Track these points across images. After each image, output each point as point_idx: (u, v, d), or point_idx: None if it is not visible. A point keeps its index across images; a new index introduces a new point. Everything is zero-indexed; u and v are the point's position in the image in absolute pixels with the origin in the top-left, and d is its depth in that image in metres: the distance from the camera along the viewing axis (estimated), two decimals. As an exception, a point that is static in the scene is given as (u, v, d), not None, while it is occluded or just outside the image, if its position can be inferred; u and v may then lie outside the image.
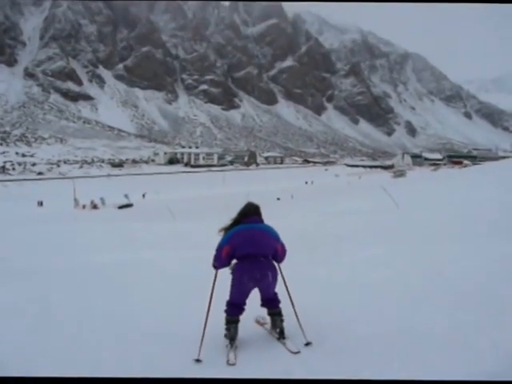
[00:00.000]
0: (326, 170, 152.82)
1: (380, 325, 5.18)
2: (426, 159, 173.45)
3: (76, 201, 48.19)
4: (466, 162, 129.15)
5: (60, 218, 34.60)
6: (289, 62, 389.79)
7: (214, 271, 4.85)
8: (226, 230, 4.75)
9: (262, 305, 4.86)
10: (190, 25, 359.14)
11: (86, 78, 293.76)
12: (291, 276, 5.76)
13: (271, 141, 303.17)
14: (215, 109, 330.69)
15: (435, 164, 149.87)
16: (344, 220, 19.44)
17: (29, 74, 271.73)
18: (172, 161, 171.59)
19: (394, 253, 9.97)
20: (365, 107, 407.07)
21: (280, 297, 4.91)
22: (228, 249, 4.56)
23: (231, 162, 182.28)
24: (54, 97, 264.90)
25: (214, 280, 4.84)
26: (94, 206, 45.41)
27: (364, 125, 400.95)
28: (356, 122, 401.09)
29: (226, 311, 4.69)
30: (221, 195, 51.57)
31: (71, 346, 4.90)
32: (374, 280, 7.40)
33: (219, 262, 4.68)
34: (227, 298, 4.73)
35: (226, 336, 4.64)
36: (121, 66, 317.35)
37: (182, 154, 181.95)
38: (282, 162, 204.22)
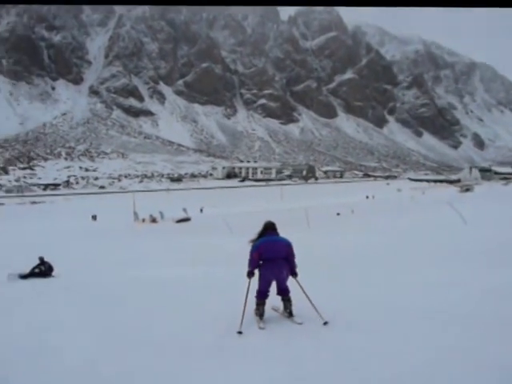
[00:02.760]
0: (388, 184, 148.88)
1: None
2: (496, 173, 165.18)
3: (136, 214, 49.14)
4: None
5: (118, 231, 34.80)
6: (349, 75, 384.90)
7: (247, 280, 6.79)
8: (254, 241, 6.95)
9: (278, 293, 6.96)
10: (249, 40, 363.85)
11: (148, 95, 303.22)
12: (349, 294, 8.08)
13: (330, 155, 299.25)
14: (274, 123, 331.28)
15: (506, 178, 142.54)
16: (407, 236, 19.22)
17: (93, 92, 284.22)
18: (230, 175, 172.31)
19: (461, 273, 9.69)
20: (429, 119, 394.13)
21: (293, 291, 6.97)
22: (257, 254, 6.71)
23: (289, 177, 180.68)
24: (117, 113, 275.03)
25: (249, 285, 6.81)
26: (153, 220, 46.29)
27: (428, 137, 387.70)
28: (419, 134, 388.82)
29: (256, 297, 6.88)
30: (279, 210, 50.71)
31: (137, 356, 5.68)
32: (439, 301, 7.37)
33: (253, 265, 6.75)
34: (256, 288, 6.86)
35: (256, 313, 6.88)
36: (181, 81, 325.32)
37: (240, 168, 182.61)
38: (341, 176, 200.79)
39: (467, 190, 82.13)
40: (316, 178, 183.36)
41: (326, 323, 6.44)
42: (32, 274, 14.41)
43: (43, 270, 14.52)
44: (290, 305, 6.87)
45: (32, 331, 7.06)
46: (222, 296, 8.66)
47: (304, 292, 6.87)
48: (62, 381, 5.08)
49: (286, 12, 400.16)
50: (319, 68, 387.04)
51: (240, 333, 6.26)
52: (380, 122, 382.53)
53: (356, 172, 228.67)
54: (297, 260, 7.04)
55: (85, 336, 6.62)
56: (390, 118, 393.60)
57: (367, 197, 79.61)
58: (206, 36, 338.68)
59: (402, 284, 9.06)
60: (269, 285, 6.82)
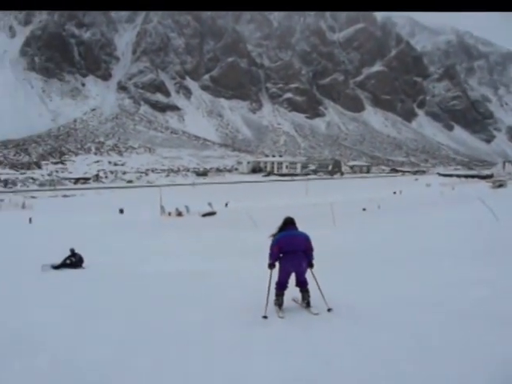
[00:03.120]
0: (416, 179, 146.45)
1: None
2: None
3: (162, 208, 49.50)
4: None
5: (145, 224, 35.44)
6: (377, 67, 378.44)
7: (269, 271, 7.27)
8: (274, 235, 7.37)
9: (297, 285, 7.34)
10: (275, 33, 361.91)
11: (174, 90, 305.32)
12: (376, 291, 8.29)
13: (357, 149, 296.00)
14: (299, 117, 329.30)
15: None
16: (435, 233, 18.78)
17: (121, 87, 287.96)
18: (255, 170, 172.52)
19: (492, 270, 9.51)
20: (460, 112, 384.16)
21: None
22: (277, 248, 7.11)
23: (315, 171, 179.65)
24: (144, 108, 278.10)
25: (270, 276, 7.29)
26: (179, 214, 46.73)
27: (459, 131, 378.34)
28: (450, 128, 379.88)
29: (275, 288, 7.29)
30: (304, 205, 50.60)
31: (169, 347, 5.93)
32: (469, 300, 7.34)
33: (273, 257, 7.16)
34: (276, 279, 7.32)
35: (275, 303, 7.26)
36: (207, 76, 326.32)
37: (265, 162, 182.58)
38: (368, 171, 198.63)
39: (500, 185, 79.65)
40: (342, 173, 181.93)
41: (329, 310, 7.01)
42: (63, 265, 15.01)
43: (74, 261, 15.12)
44: (308, 296, 7.25)
45: (65, 319, 7.49)
46: (246, 287, 9.07)
47: (316, 281, 7.34)
48: (92, 365, 5.40)
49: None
50: (346, 61, 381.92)
51: (265, 317, 6.83)
52: (409, 116, 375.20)
53: (383, 167, 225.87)
54: (323, 255, 7.76)
55: (112, 325, 6.97)
56: (420, 112, 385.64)
57: (394, 192, 78.40)
58: (231, 30, 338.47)
59: (430, 281, 9.02)
60: (288, 276, 7.23)
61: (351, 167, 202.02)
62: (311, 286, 7.32)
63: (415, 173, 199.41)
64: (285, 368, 5.07)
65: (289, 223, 7.37)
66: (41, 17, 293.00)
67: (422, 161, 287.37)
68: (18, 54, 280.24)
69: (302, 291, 7.31)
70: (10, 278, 13.26)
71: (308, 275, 7.38)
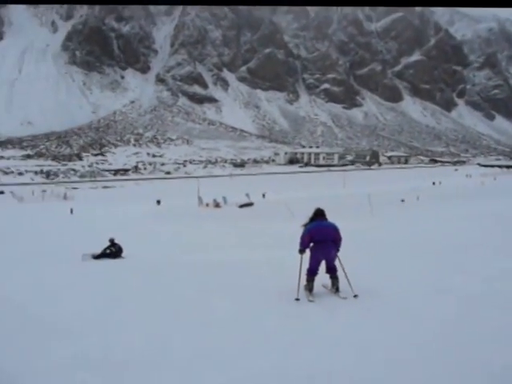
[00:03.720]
0: (456, 170, 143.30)
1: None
2: None
3: (200, 199, 49.94)
4: None
5: (183, 215, 35.91)
6: (416, 57, 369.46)
7: (299, 256, 7.77)
8: (305, 225, 7.81)
9: (327, 271, 7.82)
10: (312, 24, 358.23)
11: (211, 82, 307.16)
12: (416, 283, 8.23)
13: (395, 140, 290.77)
14: (336, 108, 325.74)
15: None
16: (477, 224, 18.49)
17: (160, 80, 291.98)
18: (292, 161, 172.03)
19: None
20: (502, 101, 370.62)
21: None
22: (309, 236, 7.59)
23: (352, 162, 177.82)
24: (182, 100, 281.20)
25: (301, 261, 7.78)
26: (217, 205, 47.05)
27: (500, 121, 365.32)
28: (491, 117, 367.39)
29: (306, 274, 7.73)
30: (341, 195, 50.19)
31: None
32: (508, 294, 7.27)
33: (304, 245, 7.65)
34: (307, 266, 7.77)
35: (305, 288, 7.71)
36: (244, 68, 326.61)
37: (302, 153, 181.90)
38: (406, 162, 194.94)
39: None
40: (380, 164, 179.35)
41: (355, 296, 7.39)
42: (103, 255, 15.30)
43: (113, 251, 15.39)
44: (337, 282, 7.73)
45: (105, 308, 7.60)
46: (282, 274, 9.18)
47: (342, 267, 7.82)
48: (131, 352, 5.46)
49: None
50: (384, 50, 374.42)
51: (297, 299, 7.38)
52: (448, 105, 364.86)
53: (422, 157, 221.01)
54: (360, 247, 8.24)
55: (151, 314, 7.03)
56: (460, 101, 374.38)
57: (434, 183, 76.88)
58: (268, 21, 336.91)
59: (470, 274, 8.80)
60: (319, 264, 7.73)
61: (389, 158, 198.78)
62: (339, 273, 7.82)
63: (455, 163, 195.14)
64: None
65: (319, 214, 7.87)
66: (82, 11, 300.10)
67: (462, 151, 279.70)
68: (59, 49, 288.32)
69: (331, 277, 7.80)
70: (52, 266, 13.60)
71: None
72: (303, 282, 7.69)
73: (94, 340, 5.93)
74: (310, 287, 7.66)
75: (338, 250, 7.81)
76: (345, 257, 7.94)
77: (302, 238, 7.65)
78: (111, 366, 5.05)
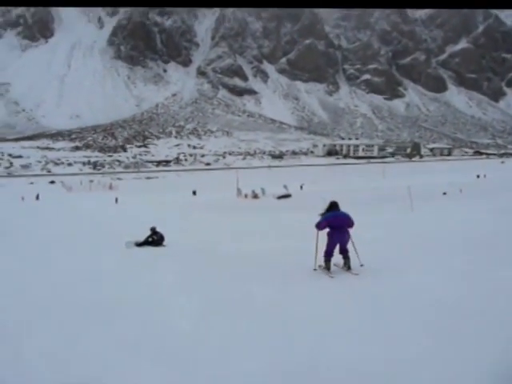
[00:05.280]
0: (503, 162, 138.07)
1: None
2: None
3: (239, 190, 50.21)
4: None
5: (222, 205, 36.53)
6: (462, 45, 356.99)
7: (315, 231, 9.35)
8: (322, 214, 9.28)
9: (340, 252, 9.19)
10: (354, 14, 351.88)
11: (251, 74, 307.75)
12: (454, 278, 8.42)
13: (438, 131, 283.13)
14: (377, 99, 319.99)
15: None
16: None
17: (201, 73, 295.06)
18: (331, 152, 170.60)
19: None
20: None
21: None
22: (326, 223, 9.04)
23: (392, 154, 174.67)
24: (222, 92, 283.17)
25: (317, 236, 9.39)
26: (255, 196, 47.28)
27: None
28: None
29: (324, 256, 9.16)
30: (380, 187, 49.56)
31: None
32: None
33: (320, 227, 9.12)
34: (324, 249, 9.16)
35: (325, 267, 9.17)
36: (284, 59, 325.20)
37: (341, 145, 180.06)
38: (449, 154, 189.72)
39: None
40: (421, 156, 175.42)
41: (362, 265, 9.14)
42: (146, 243, 15.99)
43: (155, 239, 16.02)
44: (349, 261, 9.17)
45: (148, 293, 8.16)
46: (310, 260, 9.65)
47: (354, 247, 9.36)
48: (174, 337, 5.86)
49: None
50: (429, 39, 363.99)
51: (315, 269, 9.23)
52: (496, 95, 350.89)
53: (466, 149, 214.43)
54: (399, 240, 9.70)
55: (192, 301, 7.51)
56: (509, 91, 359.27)
57: (478, 176, 74.22)
58: (309, 12, 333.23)
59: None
60: (335, 247, 9.15)
61: (431, 150, 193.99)
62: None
63: (501, 155, 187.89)
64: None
65: (334, 206, 9.27)
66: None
67: (510, 143, 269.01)
68: (105, 44, 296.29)
69: (344, 257, 9.24)
70: (98, 253, 14.40)
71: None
72: (320, 258, 9.25)
73: (135, 324, 6.37)
74: (328, 266, 9.16)
75: (350, 235, 9.25)
76: (382, 249, 9.59)
77: (321, 222, 9.10)
78: (153, 351, 5.40)
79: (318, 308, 6.84)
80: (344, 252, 9.21)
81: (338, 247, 9.20)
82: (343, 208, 9.28)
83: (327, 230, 9.19)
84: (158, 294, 8.04)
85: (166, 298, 7.78)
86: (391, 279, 8.35)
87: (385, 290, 7.59)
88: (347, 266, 9.17)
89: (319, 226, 9.13)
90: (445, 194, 40.70)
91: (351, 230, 9.35)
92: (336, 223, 9.04)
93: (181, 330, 6.07)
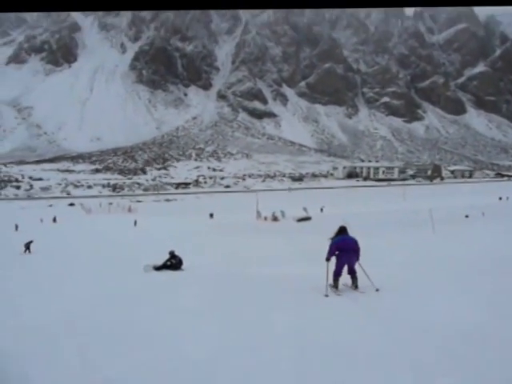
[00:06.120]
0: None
1: None
2: None
3: (258, 213, 50.10)
4: None
5: (241, 228, 36.39)
6: (480, 68, 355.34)
7: (326, 263, 9.82)
8: (333, 239, 10.04)
9: (349, 273, 9.99)
10: (372, 38, 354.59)
11: (271, 97, 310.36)
12: (479, 303, 8.19)
13: (458, 153, 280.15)
14: (397, 121, 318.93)
15: None
16: None
17: (221, 96, 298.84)
18: (351, 175, 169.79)
19: None
20: None
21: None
22: (335, 247, 9.78)
23: (413, 176, 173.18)
24: (242, 115, 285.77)
25: (327, 267, 9.83)
26: (275, 218, 47.05)
27: None
28: None
29: (333, 276, 9.97)
30: (401, 210, 49.00)
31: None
32: None
33: (331, 254, 9.80)
34: (334, 269, 9.91)
35: (333, 286, 9.94)
36: (303, 83, 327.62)
37: (361, 167, 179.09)
38: (470, 176, 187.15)
39: None
40: (442, 178, 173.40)
41: (377, 290, 9.60)
42: (164, 266, 15.84)
43: (174, 263, 15.86)
44: (356, 281, 9.97)
45: (166, 318, 8.09)
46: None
47: (363, 269, 9.97)
48: (191, 363, 5.78)
49: (411, 7, 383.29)
50: (447, 62, 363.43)
51: (327, 296, 9.51)
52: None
53: (487, 171, 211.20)
54: (420, 264, 9.61)
55: (211, 326, 7.42)
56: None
57: (500, 198, 73.05)
58: (328, 37, 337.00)
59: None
60: (343, 268, 9.98)
61: (452, 172, 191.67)
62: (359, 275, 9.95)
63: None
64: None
65: (343, 230, 10.21)
66: (149, 33, 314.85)
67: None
68: (127, 68, 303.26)
69: (352, 277, 10.06)
70: (116, 276, 14.35)
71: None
72: (330, 282, 9.87)
73: (151, 350, 6.28)
74: (336, 285, 9.98)
75: (358, 258, 10.01)
76: (403, 272, 10.02)
77: (330, 248, 9.88)
78: (171, 376, 5.37)
79: (338, 335, 6.68)
80: (352, 272, 10.02)
81: (346, 268, 9.98)
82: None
83: (337, 252, 9.91)
84: (175, 320, 7.93)
85: (184, 323, 7.66)
86: (412, 304, 8.39)
87: (406, 315, 7.56)
88: (355, 285, 9.98)
89: (330, 252, 9.87)
90: (467, 216, 40.15)
91: (358, 252, 10.06)
92: (344, 246, 9.84)
93: (198, 358, 5.91)
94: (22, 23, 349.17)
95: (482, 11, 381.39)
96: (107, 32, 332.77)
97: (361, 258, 9.97)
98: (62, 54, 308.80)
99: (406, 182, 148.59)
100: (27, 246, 24.76)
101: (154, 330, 7.26)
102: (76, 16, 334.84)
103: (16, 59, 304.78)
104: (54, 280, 14.17)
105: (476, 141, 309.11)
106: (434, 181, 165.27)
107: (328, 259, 9.82)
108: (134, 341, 6.74)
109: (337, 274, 9.99)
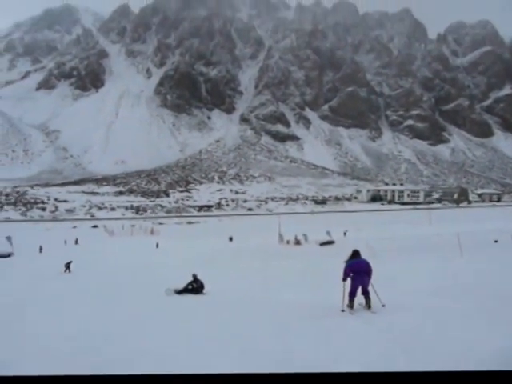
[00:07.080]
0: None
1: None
2: None
3: (281, 236, 49.64)
4: None
5: (264, 252, 36.05)
6: (507, 90, 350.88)
7: (342, 283, 10.81)
8: (347, 261, 11.03)
9: (362, 293, 10.66)
10: (395, 61, 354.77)
11: (294, 120, 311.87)
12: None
13: (485, 176, 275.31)
14: (421, 144, 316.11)
15: None
16: None
17: (244, 120, 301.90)
18: (375, 198, 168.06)
19: None
20: None
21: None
22: (350, 269, 10.70)
23: (439, 200, 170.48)
24: (265, 139, 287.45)
25: (344, 287, 10.76)
26: (297, 242, 46.33)
27: None
28: None
29: (349, 296, 10.69)
30: (427, 235, 47.94)
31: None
32: None
33: (346, 275, 10.73)
34: (349, 290, 10.62)
35: (348, 306, 10.72)
36: (326, 106, 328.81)
37: (386, 191, 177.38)
38: (499, 200, 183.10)
39: None
40: (469, 202, 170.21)
41: (383, 305, 10.62)
42: (186, 290, 15.54)
43: (195, 286, 15.56)
44: (369, 301, 10.71)
45: (187, 344, 7.78)
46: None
47: (373, 287, 10.84)
48: None
49: (435, 30, 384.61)
50: (472, 85, 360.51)
51: (343, 310, 10.54)
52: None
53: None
54: (449, 290, 10.28)
55: (233, 352, 7.21)
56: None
57: (531, 223, 71.02)
58: (350, 61, 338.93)
59: None
60: (357, 288, 10.78)
61: (479, 195, 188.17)
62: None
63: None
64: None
65: (356, 254, 11.16)
66: (173, 58, 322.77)
67: None
68: (152, 93, 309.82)
69: (365, 298, 10.78)
70: (137, 299, 14.11)
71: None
72: (346, 300, 10.72)
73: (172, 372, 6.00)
74: (351, 305, 10.80)
75: (370, 278, 10.81)
76: (431, 301, 10.24)
77: (345, 270, 10.83)
78: None
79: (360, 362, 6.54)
80: (366, 293, 10.74)
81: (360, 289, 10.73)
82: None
83: (351, 274, 10.71)
84: (195, 346, 7.74)
85: (203, 350, 7.47)
86: (436, 333, 8.22)
87: (433, 343, 7.40)
88: (368, 305, 10.68)
89: (345, 274, 10.77)
90: (496, 241, 38.95)
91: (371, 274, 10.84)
92: (358, 268, 10.70)
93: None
94: (52, 50, 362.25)
95: (507, 33, 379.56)
96: (134, 58, 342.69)
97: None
98: (90, 79, 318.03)
99: (432, 206, 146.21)
100: (67, 266, 26.14)
101: (172, 355, 7.10)
102: (104, 43, 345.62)
103: (46, 85, 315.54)
104: (71, 301, 13.97)
105: (504, 164, 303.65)
106: (461, 204, 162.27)
107: (344, 279, 10.78)
108: (151, 366, 6.56)
109: (352, 294, 10.75)
